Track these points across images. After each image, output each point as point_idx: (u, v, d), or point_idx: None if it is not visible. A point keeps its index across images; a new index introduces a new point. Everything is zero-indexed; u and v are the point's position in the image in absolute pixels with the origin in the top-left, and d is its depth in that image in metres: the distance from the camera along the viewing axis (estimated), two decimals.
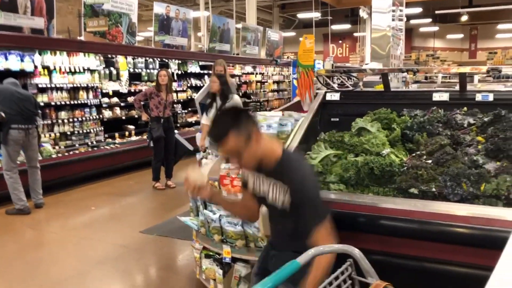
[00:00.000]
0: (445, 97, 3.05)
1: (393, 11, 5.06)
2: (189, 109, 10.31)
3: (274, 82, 14.59)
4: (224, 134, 1.85)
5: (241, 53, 12.40)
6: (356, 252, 1.30)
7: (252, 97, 13.11)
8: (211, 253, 3.40)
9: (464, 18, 18.13)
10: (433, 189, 2.42)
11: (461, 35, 26.45)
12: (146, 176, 7.19)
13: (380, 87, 3.90)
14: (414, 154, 2.70)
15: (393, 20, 5.04)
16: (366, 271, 1.28)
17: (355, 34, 24.20)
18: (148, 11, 16.18)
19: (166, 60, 9.64)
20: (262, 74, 13.91)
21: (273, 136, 3.02)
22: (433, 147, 2.66)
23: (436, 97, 3.06)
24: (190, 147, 7.07)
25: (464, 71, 2.95)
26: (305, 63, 3.71)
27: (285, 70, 15.04)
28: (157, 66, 9.27)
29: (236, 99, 5.37)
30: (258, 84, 13.61)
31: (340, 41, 27.13)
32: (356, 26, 22.67)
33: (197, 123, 9.95)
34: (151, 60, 9.21)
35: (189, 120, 10.33)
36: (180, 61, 10.03)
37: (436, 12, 19.95)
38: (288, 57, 19.17)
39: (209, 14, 13.56)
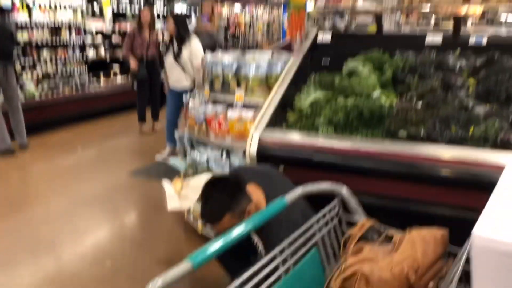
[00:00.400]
0: (438, 39, 2.97)
1: None
2: None
3: (263, 23, 14.22)
4: (218, 218, 1.72)
5: None
6: (343, 190, 1.29)
7: (240, 39, 12.80)
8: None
9: None
10: (422, 132, 2.41)
11: None
12: (133, 118, 7.10)
13: (373, 28, 3.79)
14: (404, 97, 2.67)
15: None
16: (353, 210, 1.28)
17: None
18: None
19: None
20: (252, 15, 13.51)
21: (262, 78, 2.96)
22: (423, 90, 2.62)
23: (429, 39, 2.99)
24: None
25: (460, 15, 2.86)
26: (296, 2, 3.57)
27: (275, 10, 14.62)
28: (142, 4, 8.92)
29: (194, 45, 5.03)
30: (247, 26, 13.27)
31: None
32: None
33: None
34: None
35: None
36: (166, 0, 9.67)
37: None
38: None
39: None
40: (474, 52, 2.87)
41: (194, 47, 4.99)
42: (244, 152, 3.09)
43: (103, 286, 2.81)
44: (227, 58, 3.17)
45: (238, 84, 3.09)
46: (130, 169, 5.01)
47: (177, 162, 3.54)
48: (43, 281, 2.89)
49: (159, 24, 8.73)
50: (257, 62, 2.97)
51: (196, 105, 3.33)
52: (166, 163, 5.14)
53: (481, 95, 2.51)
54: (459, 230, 1.10)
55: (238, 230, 1.13)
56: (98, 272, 2.98)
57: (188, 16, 10.48)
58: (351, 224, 1.28)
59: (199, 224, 3.31)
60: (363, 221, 1.22)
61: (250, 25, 13.41)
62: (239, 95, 3.00)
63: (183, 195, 2.45)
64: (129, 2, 8.71)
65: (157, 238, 3.46)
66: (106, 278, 2.90)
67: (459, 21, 2.89)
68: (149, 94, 6.57)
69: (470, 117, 2.34)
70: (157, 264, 3.07)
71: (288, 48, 3.73)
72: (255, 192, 1.81)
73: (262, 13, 14.01)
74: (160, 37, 7.53)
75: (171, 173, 4.60)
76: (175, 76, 5.12)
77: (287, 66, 2.99)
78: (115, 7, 8.36)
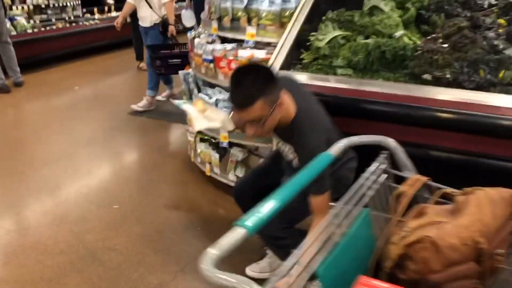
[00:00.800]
0: None
1: None
2: None
3: None
4: (250, 102, 1.59)
5: None
6: (391, 143, 1.18)
7: None
8: (206, 137, 3.32)
9: None
10: (448, 76, 2.28)
11: None
12: (130, 54, 6.84)
13: None
14: (429, 37, 2.50)
15: None
16: (402, 165, 1.18)
17: None
18: None
19: None
20: None
21: (276, 14, 2.76)
22: (450, 30, 2.45)
23: None
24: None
25: None
26: None
27: None
28: None
29: None
30: None
31: None
32: None
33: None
34: None
35: None
36: None
37: None
38: None
39: None
40: None
41: None
42: None
43: (115, 229, 2.78)
44: None
45: (249, 21, 2.89)
46: (129, 108, 4.86)
47: (181, 103, 3.39)
48: (51, 223, 2.85)
49: None
50: None
51: (202, 43, 3.14)
52: (166, 103, 5.01)
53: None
54: None
55: (287, 189, 1.03)
56: (106, 215, 2.94)
57: None
58: (399, 181, 1.18)
59: (208, 167, 3.24)
60: (414, 177, 1.13)
61: None
62: (250, 32, 2.81)
63: (207, 116, 2.16)
64: None
65: (163, 181, 3.40)
66: (116, 221, 2.86)
67: None
68: None
69: (501, 60, 2.21)
70: (165, 208, 3.03)
71: None
72: (284, 97, 1.73)
73: None
74: None
75: (173, 113, 4.50)
76: (142, 12, 4.80)
77: (302, 2, 2.79)
78: None
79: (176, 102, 3.48)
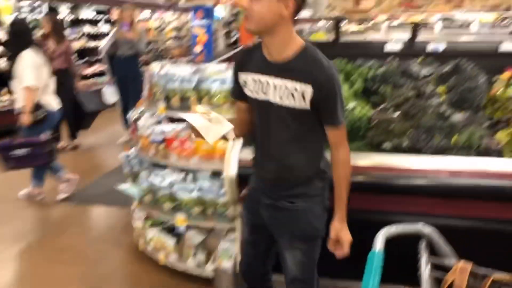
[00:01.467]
0: (397, 47, 2.99)
1: None
2: (86, 58, 9.34)
3: (173, 29, 13.81)
4: None
5: None
6: (430, 231, 1.15)
7: (151, 44, 12.28)
8: (156, 222, 3.11)
9: None
10: (405, 143, 2.39)
11: None
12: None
13: (319, 36, 3.76)
14: (380, 108, 2.63)
15: None
16: (443, 252, 1.15)
17: None
18: None
19: (55, 5, 8.51)
20: (161, 20, 13.06)
21: (227, 94, 2.74)
22: (399, 100, 2.60)
23: (389, 47, 3.00)
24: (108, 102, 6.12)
25: (417, 21, 2.90)
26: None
27: (184, 16, 14.27)
28: (45, 11, 8.13)
29: (21, 62, 3.86)
30: (156, 31, 12.79)
31: None
32: None
33: (98, 75, 9.12)
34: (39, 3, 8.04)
35: (86, 72, 9.35)
36: (72, 5, 8.94)
37: None
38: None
39: None
40: (434, 59, 2.94)
41: (20, 66, 3.87)
42: (214, 173, 2.86)
43: None
44: (183, 72, 2.91)
45: (199, 100, 2.84)
46: (60, 196, 4.44)
47: (128, 188, 3.18)
48: None
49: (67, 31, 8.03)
50: (221, 76, 2.75)
51: (149, 124, 3.02)
52: (100, 186, 4.68)
53: (455, 102, 2.55)
54: None
55: None
56: None
57: (98, 21, 9.78)
58: (439, 267, 1.14)
59: (161, 255, 3.00)
60: (459, 264, 1.10)
61: (159, 29, 12.96)
62: (204, 111, 2.75)
63: (214, 118, 1.75)
64: (30, 11, 7.90)
65: (111, 278, 3.07)
66: None
67: (417, 27, 2.94)
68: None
69: (452, 125, 2.36)
70: None
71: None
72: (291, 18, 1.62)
73: (171, 19, 13.60)
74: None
75: (109, 196, 4.19)
76: (17, 94, 4.10)
77: None
78: (16, 15, 7.52)
79: (122, 187, 3.27)
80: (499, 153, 2.25)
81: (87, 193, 4.58)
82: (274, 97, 1.67)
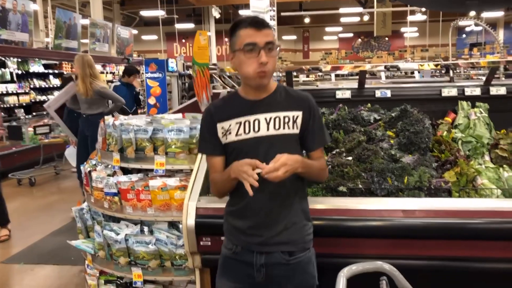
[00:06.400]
0: (347, 94, 3.13)
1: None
2: (34, 114, 9.11)
3: None
4: (267, 24, 1.72)
5: (90, 50, 11.39)
6: (390, 268, 1.17)
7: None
8: (111, 278, 2.97)
9: (307, 20, 19.51)
10: (360, 186, 2.44)
11: (294, 37, 28.53)
12: None
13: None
14: (334, 152, 2.70)
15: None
16: None
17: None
18: None
19: (3, 59, 8.35)
20: (113, 73, 13.05)
21: (185, 142, 2.74)
22: (351, 144, 2.69)
23: (339, 94, 3.13)
24: None
25: (365, 69, 3.06)
26: (200, 61, 3.46)
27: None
28: None
29: None
30: (109, 84, 12.74)
31: (183, 40, 26.85)
32: (200, 26, 22.59)
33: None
34: None
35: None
36: (20, 60, 8.79)
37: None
38: (138, 55, 18.32)
39: (49, 7, 12.21)
40: (380, 104, 3.08)
41: None
42: (170, 223, 2.79)
43: None
44: (138, 122, 2.89)
45: (155, 150, 2.81)
46: (3, 257, 4.18)
47: (81, 244, 3.04)
48: None
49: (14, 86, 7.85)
50: (177, 125, 2.75)
51: (103, 177, 2.94)
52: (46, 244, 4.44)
53: (403, 145, 2.66)
54: None
55: None
56: None
57: (46, 75, 9.63)
58: None
59: None
60: None
61: (112, 82, 12.92)
62: (159, 161, 2.72)
63: None
64: None
65: None
66: None
67: (364, 75, 3.09)
68: None
69: (403, 167, 2.45)
70: None
71: (195, 107, 3.59)
72: None
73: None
74: None
75: (56, 254, 3.98)
76: None
77: None
78: None
79: (74, 243, 3.12)
80: (449, 192, 2.35)
81: (34, 251, 4.34)
82: (268, 130, 1.75)
